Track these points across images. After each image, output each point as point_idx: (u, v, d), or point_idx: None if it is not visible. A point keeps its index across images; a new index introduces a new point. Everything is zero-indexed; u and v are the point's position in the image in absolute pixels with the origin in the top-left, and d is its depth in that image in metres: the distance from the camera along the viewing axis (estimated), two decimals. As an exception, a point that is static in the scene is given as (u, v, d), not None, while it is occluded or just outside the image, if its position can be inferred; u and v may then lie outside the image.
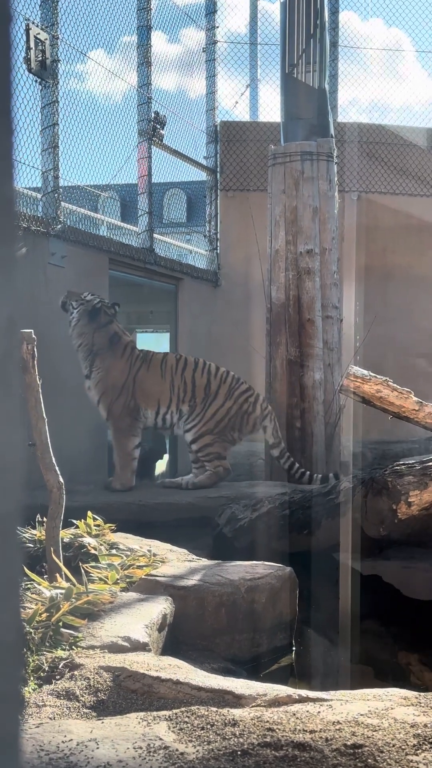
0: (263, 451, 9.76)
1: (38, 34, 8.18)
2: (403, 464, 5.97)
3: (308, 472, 8.79)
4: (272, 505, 6.75)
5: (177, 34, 12.50)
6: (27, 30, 8.07)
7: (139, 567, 4.92)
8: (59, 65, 8.59)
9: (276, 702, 3.30)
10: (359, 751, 2.79)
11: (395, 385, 6.58)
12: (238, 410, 8.73)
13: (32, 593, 4.19)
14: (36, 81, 8.42)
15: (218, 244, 12.58)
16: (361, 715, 3.11)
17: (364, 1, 13.91)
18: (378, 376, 6.60)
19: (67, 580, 4.45)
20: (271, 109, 13.61)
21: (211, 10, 12.52)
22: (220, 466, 8.63)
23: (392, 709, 3.19)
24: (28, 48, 8.11)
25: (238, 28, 13.67)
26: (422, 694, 3.41)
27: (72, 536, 5.13)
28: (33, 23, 8.19)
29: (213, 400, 8.71)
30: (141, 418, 8.61)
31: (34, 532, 5.18)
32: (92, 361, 8.51)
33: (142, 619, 4.11)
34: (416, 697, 3.35)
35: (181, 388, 8.69)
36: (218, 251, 12.56)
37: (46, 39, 8.29)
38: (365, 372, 6.61)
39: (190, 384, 8.71)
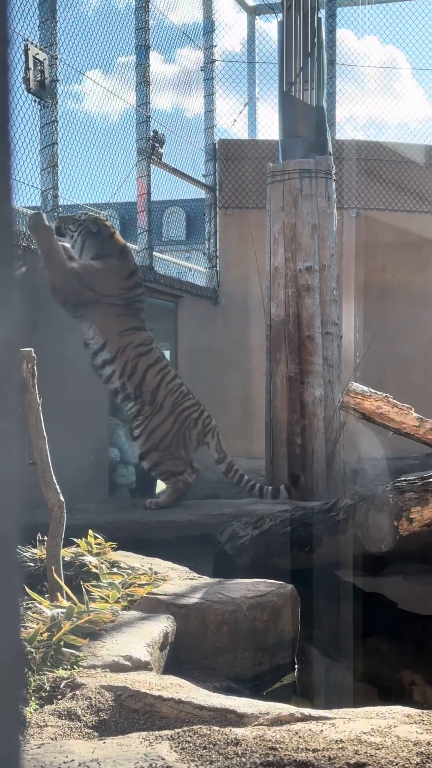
0: (263, 468, 9.75)
1: (37, 54, 8.23)
2: (404, 480, 5.96)
3: (258, 484, 8.75)
4: (273, 523, 6.74)
5: (175, 53, 12.59)
6: (26, 50, 8.12)
7: (141, 585, 4.91)
8: (58, 85, 8.64)
9: (278, 721, 3.29)
10: (362, 769, 2.78)
11: (395, 401, 6.58)
12: (180, 427, 8.60)
13: (33, 612, 4.17)
14: (35, 101, 8.46)
15: (218, 262, 12.61)
16: (364, 733, 3.09)
17: (360, 19, 13.99)
18: (378, 393, 6.60)
19: (68, 599, 4.44)
20: (269, 127, 13.68)
21: (209, 30, 12.60)
22: (179, 482, 8.51)
23: (395, 727, 3.18)
24: (27, 68, 8.16)
25: (234, 47, 13.74)
26: (425, 711, 3.40)
27: (73, 555, 5.12)
28: (32, 44, 8.24)
29: (158, 411, 8.55)
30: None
31: (35, 550, 5.17)
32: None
33: (144, 637, 4.09)
34: (419, 715, 3.33)
35: (130, 366, 8.46)
36: (218, 268, 12.59)
37: (45, 59, 8.33)
38: (365, 388, 6.62)
39: (140, 373, 8.50)
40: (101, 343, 8.35)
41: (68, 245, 8.29)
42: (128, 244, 8.76)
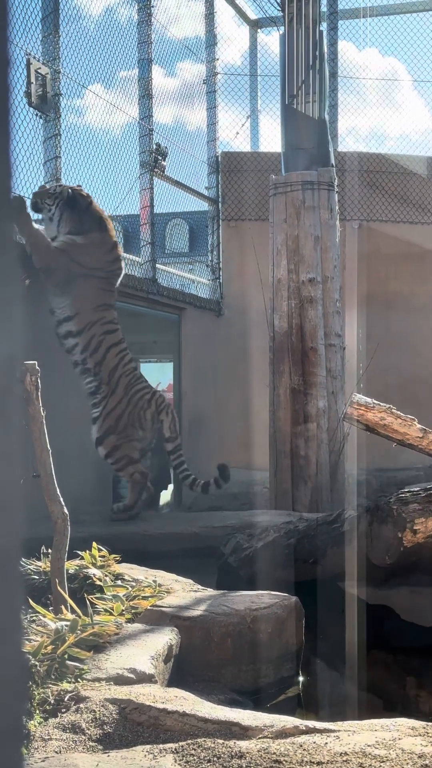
0: (266, 480, 9.75)
1: (39, 68, 8.27)
2: (408, 492, 5.96)
3: (193, 476, 8.72)
4: (277, 534, 6.73)
5: (177, 67, 12.64)
6: (28, 65, 8.16)
7: (145, 598, 4.91)
8: (61, 99, 8.67)
9: (283, 733, 3.28)
10: (367, 782, 2.77)
11: (399, 412, 6.58)
12: (134, 408, 8.55)
13: (37, 625, 4.17)
14: (37, 115, 8.49)
15: (221, 274, 12.63)
16: (369, 746, 3.09)
17: (361, 31, 14.04)
18: (381, 404, 6.60)
19: (72, 611, 4.44)
20: (271, 139, 13.72)
21: (211, 43, 12.65)
22: (135, 472, 8.47)
23: (400, 739, 3.17)
24: (29, 82, 8.19)
25: (234, 60, 13.80)
26: (430, 724, 3.39)
27: (77, 567, 5.12)
28: (34, 58, 8.28)
29: (114, 391, 8.51)
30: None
31: (39, 563, 5.17)
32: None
33: (148, 650, 4.09)
34: (424, 728, 3.33)
35: (94, 342, 8.40)
36: (221, 280, 12.61)
37: (47, 73, 8.37)
38: (368, 400, 6.62)
39: (102, 351, 8.44)
40: (69, 314, 8.29)
41: (46, 218, 8.29)
42: (106, 214, 8.69)
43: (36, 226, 8.12)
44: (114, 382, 8.50)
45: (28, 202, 8.13)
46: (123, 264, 8.72)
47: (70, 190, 8.28)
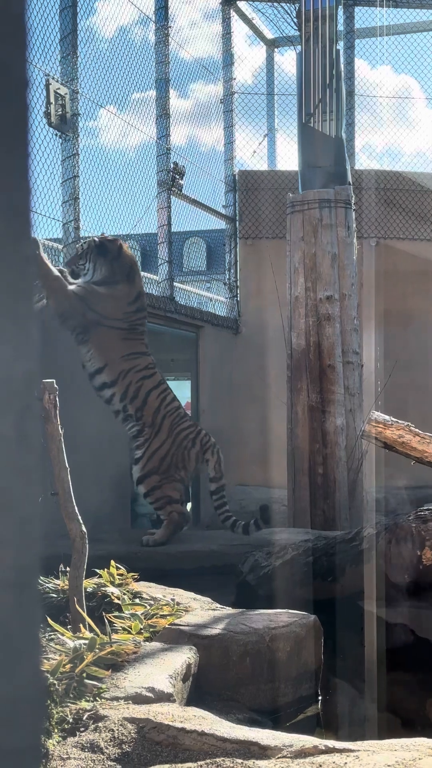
0: (284, 498, 9.72)
1: (58, 89, 8.33)
2: (427, 510, 5.93)
3: (234, 518, 8.60)
4: (296, 552, 6.71)
5: (194, 86, 12.71)
6: (47, 85, 8.23)
7: (163, 616, 4.90)
8: (79, 119, 8.74)
9: (302, 753, 3.26)
10: (387, 802, 2.75)
11: (417, 430, 6.56)
12: (178, 447, 8.54)
13: (56, 644, 4.17)
14: (56, 134, 8.56)
15: (238, 292, 12.65)
16: (389, 765, 3.06)
17: (374, 49, 14.07)
18: (400, 421, 6.59)
19: (91, 630, 4.44)
20: (288, 158, 13.75)
21: (228, 62, 12.72)
22: (173, 512, 8.39)
23: (420, 759, 3.15)
24: (48, 102, 8.26)
25: (249, 79, 13.85)
26: (450, 743, 3.36)
27: (95, 586, 5.12)
28: (53, 78, 8.35)
29: (157, 432, 8.50)
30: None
31: (57, 581, 5.17)
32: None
33: (166, 669, 4.08)
34: (444, 747, 3.30)
35: (132, 390, 8.42)
36: (238, 298, 12.63)
37: (66, 93, 8.43)
38: (387, 417, 6.60)
39: (143, 396, 8.46)
40: (98, 366, 8.31)
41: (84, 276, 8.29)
42: (137, 262, 8.72)
43: (53, 269, 8.07)
44: (157, 424, 8.51)
45: (41, 245, 8.14)
46: (146, 312, 8.70)
47: (96, 239, 8.33)
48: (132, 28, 11.39)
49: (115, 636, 4.41)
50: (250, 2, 13.15)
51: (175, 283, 10.82)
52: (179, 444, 8.55)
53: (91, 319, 8.17)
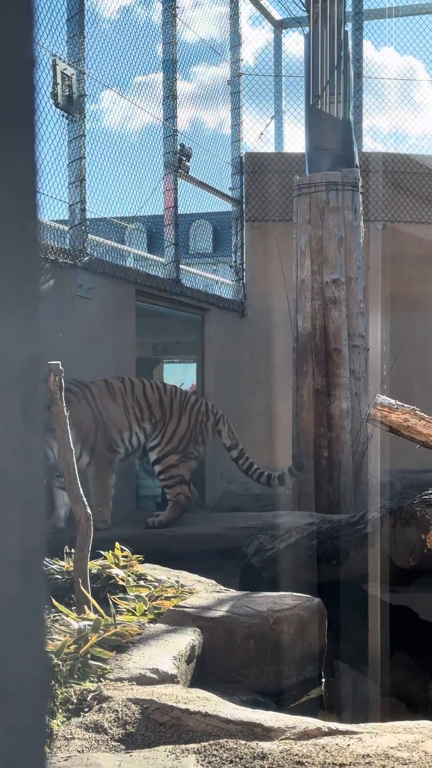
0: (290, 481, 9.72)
1: (65, 69, 8.30)
2: (432, 493, 5.93)
3: (266, 472, 8.81)
4: (300, 536, 6.73)
5: (202, 68, 12.64)
6: (54, 65, 8.19)
7: (167, 598, 4.91)
8: (86, 100, 8.70)
9: (305, 735, 3.27)
10: (389, 784, 2.76)
11: (422, 414, 6.55)
12: (195, 423, 8.63)
13: (60, 625, 4.18)
14: (63, 115, 8.53)
15: (244, 274, 12.63)
16: (391, 748, 3.07)
17: (379, 30, 13.99)
18: (405, 405, 6.58)
19: (95, 611, 4.45)
20: (295, 140, 13.70)
21: (235, 44, 12.65)
22: (181, 494, 8.44)
23: (423, 741, 3.16)
24: (55, 83, 8.22)
25: (257, 61, 13.77)
26: (453, 726, 3.37)
27: (100, 567, 5.13)
28: (60, 59, 8.31)
29: (170, 417, 8.57)
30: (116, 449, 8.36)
31: (62, 563, 5.19)
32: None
33: (171, 650, 4.09)
34: (447, 730, 3.31)
35: (136, 408, 8.48)
36: (244, 281, 12.60)
37: (72, 74, 8.40)
38: (392, 401, 6.60)
39: (144, 402, 8.53)
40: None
41: None
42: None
43: None
44: (167, 410, 8.56)
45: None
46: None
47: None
48: (138, 8, 11.34)
49: (119, 617, 4.42)
50: (258, -18, 13.08)
51: (181, 266, 10.80)
52: (195, 419, 8.65)
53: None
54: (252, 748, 3.08)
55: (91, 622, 4.18)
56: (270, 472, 8.81)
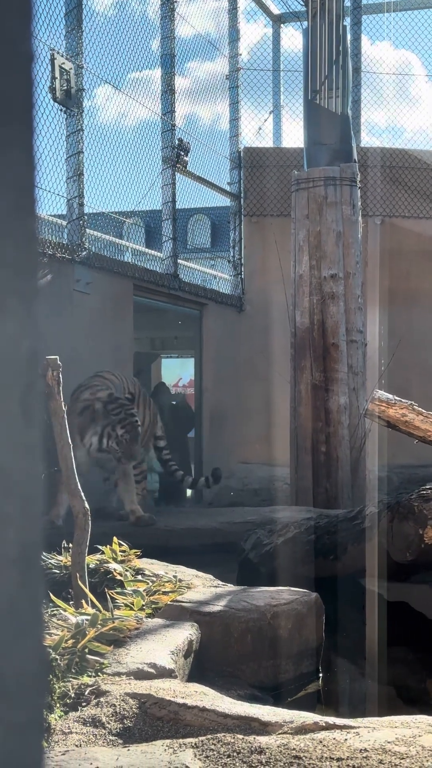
0: (287, 476, 9.74)
1: (63, 63, 8.28)
2: (430, 488, 5.94)
3: (181, 472, 9.05)
4: (298, 531, 6.73)
5: (200, 62, 12.62)
6: (52, 60, 8.17)
7: (165, 593, 4.91)
8: (84, 94, 8.69)
9: (303, 729, 3.28)
10: (387, 779, 2.77)
11: (420, 409, 6.56)
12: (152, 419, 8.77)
13: (58, 619, 4.19)
14: (61, 110, 8.51)
15: (242, 269, 12.62)
16: (389, 742, 3.08)
17: (376, 24, 13.96)
18: (403, 401, 6.58)
19: (93, 606, 4.45)
20: (293, 135, 13.68)
21: (234, 38, 12.63)
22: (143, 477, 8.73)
23: (420, 736, 3.17)
24: (53, 77, 8.21)
25: (252, 55, 13.75)
26: (450, 721, 3.38)
27: (98, 562, 5.13)
28: (58, 53, 8.29)
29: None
30: None
31: (60, 557, 5.19)
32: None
33: (168, 645, 4.09)
34: (444, 725, 3.32)
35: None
36: (242, 276, 12.60)
37: (71, 68, 8.38)
38: (390, 396, 6.60)
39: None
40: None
41: None
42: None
43: None
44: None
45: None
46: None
47: None
48: (135, 2, 11.32)
49: (117, 612, 4.42)
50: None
51: (179, 261, 10.79)
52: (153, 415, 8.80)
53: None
54: (249, 742, 3.08)
55: (88, 617, 4.19)
56: (184, 473, 8.97)
